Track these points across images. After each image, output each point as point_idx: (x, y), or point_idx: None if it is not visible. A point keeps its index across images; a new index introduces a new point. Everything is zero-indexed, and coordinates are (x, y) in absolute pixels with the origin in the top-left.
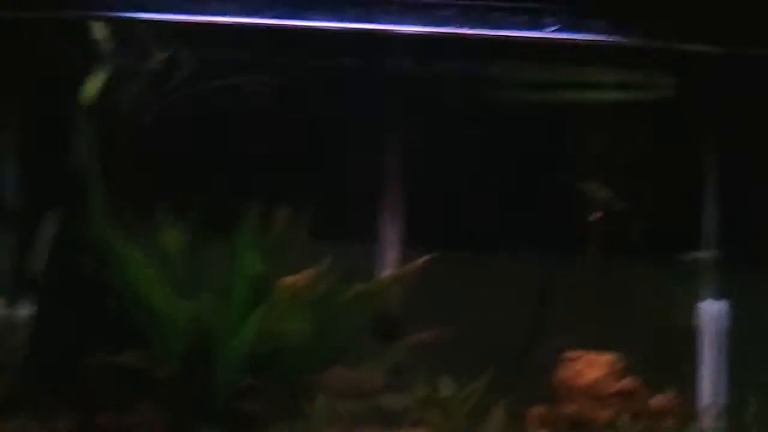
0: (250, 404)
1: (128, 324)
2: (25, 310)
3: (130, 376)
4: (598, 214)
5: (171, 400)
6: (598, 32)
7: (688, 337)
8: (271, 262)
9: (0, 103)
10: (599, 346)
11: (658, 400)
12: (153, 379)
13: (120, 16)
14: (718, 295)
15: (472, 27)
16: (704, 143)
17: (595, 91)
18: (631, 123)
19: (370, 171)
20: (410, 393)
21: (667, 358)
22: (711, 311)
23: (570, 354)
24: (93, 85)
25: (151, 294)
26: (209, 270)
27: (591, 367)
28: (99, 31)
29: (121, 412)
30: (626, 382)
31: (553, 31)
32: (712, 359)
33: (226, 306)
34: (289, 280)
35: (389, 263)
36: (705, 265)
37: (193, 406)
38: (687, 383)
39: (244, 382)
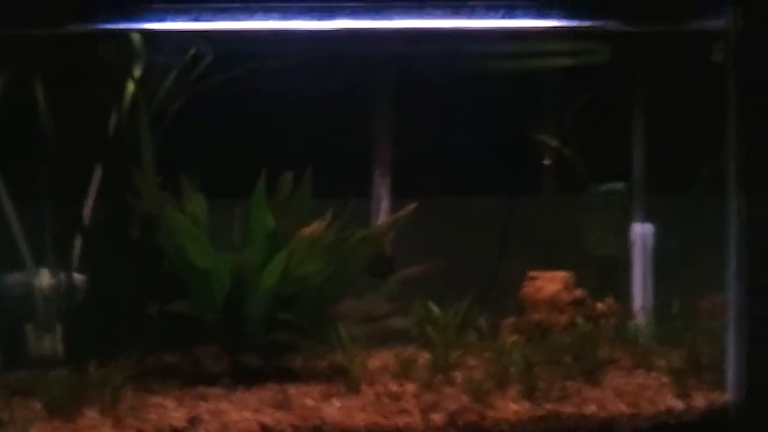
0: (281, 335)
1: (175, 280)
2: (77, 275)
3: (180, 323)
4: (549, 160)
5: (216, 339)
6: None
7: (623, 255)
8: (281, 219)
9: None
10: (555, 266)
11: (602, 306)
12: (200, 323)
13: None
14: (646, 219)
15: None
16: (633, 97)
17: (548, 59)
18: (576, 85)
19: (361, 135)
20: (410, 316)
21: (607, 272)
22: (640, 232)
23: (532, 273)
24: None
25: (196, 253)
26: (228, 231)
27: (550, 283)
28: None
29: (172, 351)
30: (577, 293)
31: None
32: (642, 272)
33: (253, 257)
34: (306, 230)
35: (381, 213)
36: (636, 195)
37: (235, 342)
38: (623, 292)
39: (275, 317)
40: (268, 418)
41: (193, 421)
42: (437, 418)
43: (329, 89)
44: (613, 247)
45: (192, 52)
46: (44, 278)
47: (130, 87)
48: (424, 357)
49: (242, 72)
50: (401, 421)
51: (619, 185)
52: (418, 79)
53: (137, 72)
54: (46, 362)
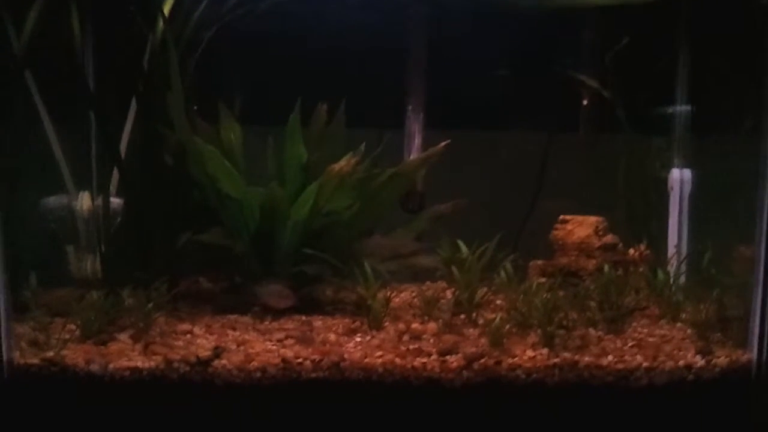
0: (309, 267)
1: (207, 209)
2: (115, 199)
3: (210, 251)
4: (588, 100)
5: (245, 268)
6: None
7: (659, 200)
8: (314, 151)
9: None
10: (590, 208)
11: (633, 252)
12: (229, 252)
13: None
14: (684, 163)
15: None
16: (676, 39)
17: None
18: (617, 24)
19: (394, 69)
20: (436, 254)
21: (642, 217)
22: (677, 177)
23: (563, 216)
24: (167, 6)
25: (226, 183)
26: (263, 160)
27: (580, 227)
28: None
29: (204, 279)
30: (608, 238)
31: None
32: (678, 218)
33: (284, 189)
34: (335, 166)
35: (413, 149)
36: (674, 139)
37: (264, 271)
38: (658, 237)
39: (304, 250)
40: (290, 351)
41: (217, 351)
42: (453, 360)
43: (363, 22)
44: (651, 191)
45: None
46: (85, 202)
47: (161, 19)
48: (449, 296)
49: (276, 3)
50: (418, 362)
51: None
52: (455, 14)
53: (168, 3)
54: (86, 283)
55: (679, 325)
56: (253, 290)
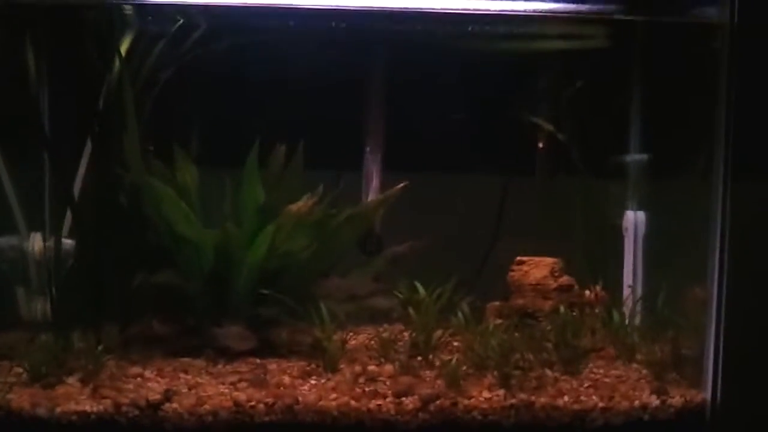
0: (265, 309)
1: (161, 251)
2: (68, 240)
3: (163, 293)
4: (544, 143)
5: (199, 310)
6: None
7: (614, 242)
8: (271, 192)
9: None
10: (546, 250)
11: (589, 294)
12: (183, 294)
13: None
14: (638, 205)
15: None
16: (630, 83)
17: (545, 42)
18: (572, 69)
19: (354, 111)
20: (394, 296)
21: (597, 258)
22: (632, 219)
23: (519, 258)
24: (123, 46)
25: (180, 224)
26: (219, 201)
27: (537, 268)
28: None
29: (157, 322)
30: (564, 280)
31: None
32: (633, 260)
33: (240, 231)
34: (293, 207)
35: (372, 190)
36: (628, 181)
37: (219, 313)
38: (612, 278)
39: (259, 291)
40: (243, 394)
41: (168, 394)
42: (410, 402)
43: (322, 64)
44: (606, 233)
45: (181, 21)
46: (36, 243)
47: (117, 59)
48: (405, 337)
49: (235, 44)
50: (373, 404)
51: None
52: (412, 58)
53: (126, 42)
54: (36, 326)
55: (634, 365)
56: (212, 332)
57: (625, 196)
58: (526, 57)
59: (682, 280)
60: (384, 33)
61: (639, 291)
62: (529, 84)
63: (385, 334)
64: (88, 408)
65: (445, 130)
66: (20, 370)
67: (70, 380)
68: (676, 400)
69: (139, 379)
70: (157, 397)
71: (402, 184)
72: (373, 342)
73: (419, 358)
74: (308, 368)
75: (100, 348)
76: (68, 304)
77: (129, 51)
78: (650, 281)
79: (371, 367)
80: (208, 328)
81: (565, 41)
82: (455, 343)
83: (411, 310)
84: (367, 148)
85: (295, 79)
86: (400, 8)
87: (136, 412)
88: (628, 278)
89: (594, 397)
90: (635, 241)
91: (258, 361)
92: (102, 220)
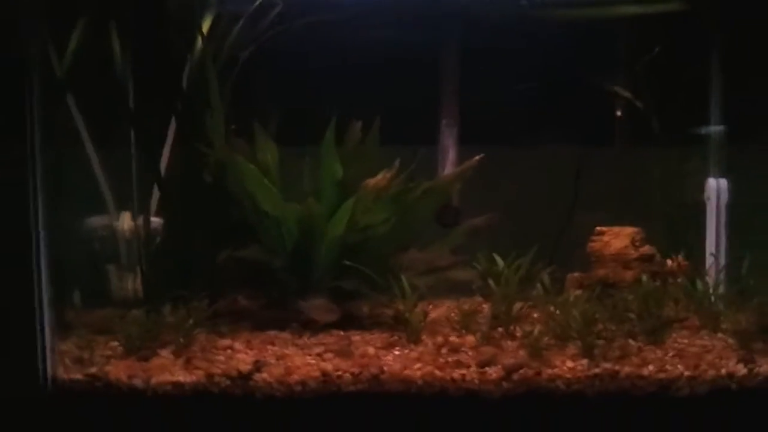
0: (346, 283)
1: (245, 227)
2: (155, 218)
3: (248, 268)
4: (622, 111)
5: (283, 284)
6: None
7: (696, 211)
8: (349, 167)
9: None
10: (625, 220)
11: (671, 263)
12: (267, 269)
13: None
14: (721, 173)
15: None
16: (711, 47)
17: (622, 7)
18: (651, 34)
19: (429, 85)
20: (473, 268)
21: (679, 227)
22: (714, 187)
23: (599, 228)
24: (205, 26)
25: (264, 200)
26: (298, 178)
27: (617, 238)
28: None
29: (243, 296)
30: (645, 249)
31: None
32: (716, 228)
33: (321, 206)
34: (371, 181)
35: (448, 163)
36: (710, 148)
37: (302, 286)
38: (695, 248)
39: (341, 265)
40: (329, 364)
41: (258, 365)
42: (493, 372)
43: (397, 39)
44: (689, 202)
45: (260, 1)
46: (126, 221)
47: (199, 39)
48: (486, 309)
49: (311, 22)
50: (457, 373)
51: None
52: (487, 29)
53: (207, 23)
54: (127, 302)
55: (719, 335)
56: (297, 305)
57: (706, 164)
58: (603, 23)
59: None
60: (458, 5)
61: (722, 260)
62: (606, 51)
63: (465, 306)
64: (181, 379)
65: (521, 101)
66: (115, 343)
67: (163, 353)
68: (764, 368)
69: (228, 350)
70: (248, 367)
71: (478, 157)
72: (453, 314)
73: (500, 329)
74: (391, 339)
75: (190, 322)
76: (158, 280)
77: (209, 31)
78: (734, 250)
79: (453, 338)
80: (293, 301)
81: (642, 5)
82: (535, 315)
83: (491, 282)
84: (443, 122)
85: (371, 55)
86: None
87: (228, 383)
88: (710, 247)
89: (679, 366)
90: (718, 210)
91: (341, 333)
92: (188, 198)
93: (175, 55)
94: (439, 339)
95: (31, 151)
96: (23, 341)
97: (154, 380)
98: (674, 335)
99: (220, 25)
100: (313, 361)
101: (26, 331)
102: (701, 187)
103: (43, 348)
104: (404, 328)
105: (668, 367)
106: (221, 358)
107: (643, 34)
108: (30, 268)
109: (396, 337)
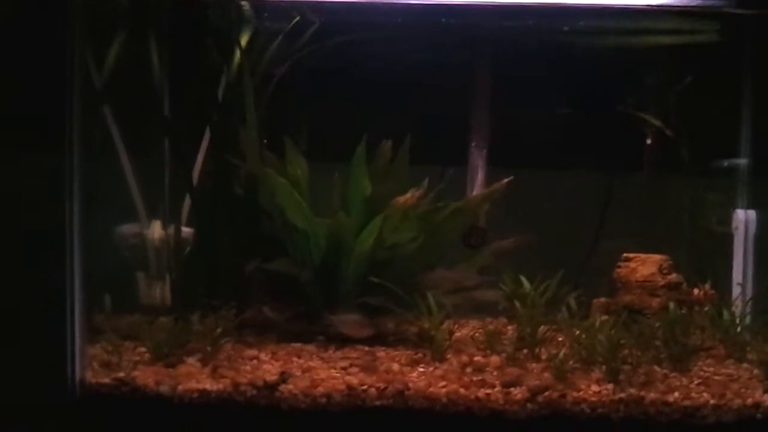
0: (373, 298)
1: (274, 239)
2: (186, 228)
3: (276, 280)
4: (651, 139)
5: (311, 297)
6: None
7: (722, 240)
8: (378, 185)
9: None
10: (651, 247)
11: (698, 292)
12: (295, 282)
13: None
14: (749, 204)
15: None
16: (741, 78)
17: (654, 37)
18: (682, 64)
19: (460, 106)
20: (499, 289)
21: (705, 257)
22: (742, 218)
23: (627, 254)
24: (243, 41)
25: (294, 214)
26: (327, 194)
27: (644, 265)
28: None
29: (268, 308)
30: (672, 277)
31: None
32: (743, 259)
33: (350, 222)
34: (400, 199)
35: (477, 184)
36: (739, 179)
37: (328, 300)
38: (722, 277)
39: (367, 281)
40: (354, 378)
41: (284, 376)
42: (518, 393)
43: (430, 60)
44: (716, 232)
45: (298, 19)
46: (156, 230)
47: (237, 53)
48: (511, 330)
49: (346, 40)
50: (482, 393)
51: (739, 170)
52: (519, 53)
53: (245, 38)
54: (155, 309)
55: (745, 365)
56: (328, 320)
57: (734, 194)
58: (635, 52)
59: None
60: (492, 28)
61: (749, 290)
62: (637, 79)
63: (490, 327)
64: (208, 386)
65: (551, 126)
66: (143, 349)
67: (190, 360)
68: None
69: (255, 361)
70: (274, 378)
71: (507, 179)
72: (478, 334)
73: (525, 350)
74: (416, 356)
75: (218, 331)
76: (187, 289)
77: (247, 45)
78: (760, 280)
79: (478, 358)
80: (325, 315)
81: (674, 36)
82: (560, 338)
83: (517, 303)
84: (473, 143)
85: (403, 75)
86: (509, 3)
87: (254, 392)
88: (737, 277)
89: (705, 394)
90: (746, 240)
91: (366, 348)
92: (219, 209)
93: (212, 68)
94: (464, 358)
95: (69, 159)
96: (53, 344)
97: (180, 387)
98: (700, 363)
99: (258, 41)
100: (339, 375)
101: (56, 335)
102: (729, 218)
103: (73, 351)
104: (429, 346)
105: (694, 394)
106: (247, 368)
107: (676, 63)
108: (63, 272)
109: (421, 355)
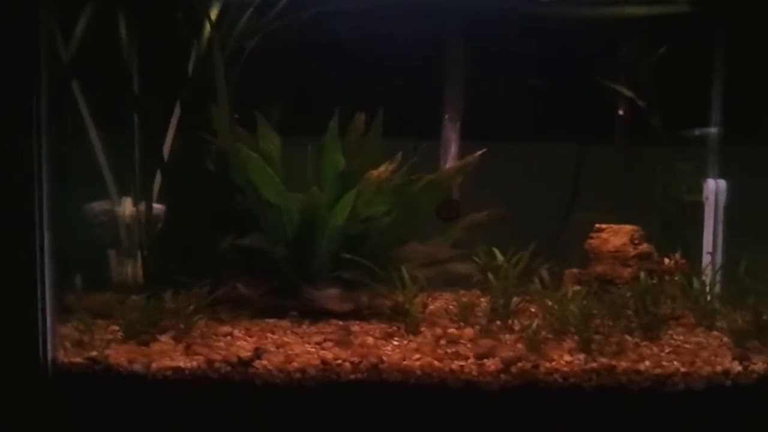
0: (347, 272)
1: (247, 215)
2: (157, 205)
3: (249, 256)
4: (623, 110)
5: (286, 272)
6: None
7: (693, 210)
8: (351, 159)
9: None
10: (623, 217)
11: (668, 262)
12: (268, 257)
13: None
14: (720, 174)
15: None
16: (713, 49)
17: (623, 7)
18: (653, 35)
19: (433, 79)
20: (472, 261)
21: (676, 227)
22: (712, 188)
23: (598, 225)
24: (213, 14)
25: (267, 189)
26: (300, 168)
27: (616, 236)
28: None
29: (241, 284)
30: (643, 247)
31: None
32: (713, 228)
33: (323, 196)
34: (373, 173)
35: (450, 157)
36: (709, 149)
37: (303, 276)
38: (692, 247)
39: (341, 255)
40: (329, 353)
41: (258, 352)
42: (491, 364)
43: (402, 32)
44: (686, 201)
45: None
46: (127, 207)
47: (207, 26)
48: (484, 302)
49: (318, 12)
50: (456, 365)
51: (709, 139)
52: (491, 25)
53: (214, 11)
54: (127, 287)
55: (714, 333)
56: (309, 293)
57: (705, 164)
58: (607, 23)
59: (764, 248)
60: (463, 1)
61: (719, 259)
62: (609, 51)
63: (463, 299)
64: (182, 364)
65: (523, 98)
66: (115, 328)
67: (164, 338)
68: (758, 366)
69: (228, 337)
70: (248, 354)
71: (480, 152)
72: (451, 306)
73: (498, 322)
74: (390, 330)
75: (191, 308)
76: (159, 266)
77: (217, 19)
78: (731, 250)
79: (451, 330)
80: (305, 290)
81: (647, 6)
82: (533, 309)
83: (490, 276)
84: (446, 116)
85: (375, 47)
86: None
87: (228, 369)
88: (707, 247)
89: (675, 363)
90: (716, 210)
91: (340, 322)
92: (191, 185)
93: (182, 42)
94: (438, 331)
95: (36, 136)
96: (24, 324)
97: (154, 365)
98: (670, 332)
99: (228, 13)
100: (313, 350)
101: (27, 315)
102: (700, 187)
103: (44, 331)
104: (403, 319)
105: (664, 363)
106: (221, 344)
107: (647, 34)
108: (33, 251)
109: (395, 328)
